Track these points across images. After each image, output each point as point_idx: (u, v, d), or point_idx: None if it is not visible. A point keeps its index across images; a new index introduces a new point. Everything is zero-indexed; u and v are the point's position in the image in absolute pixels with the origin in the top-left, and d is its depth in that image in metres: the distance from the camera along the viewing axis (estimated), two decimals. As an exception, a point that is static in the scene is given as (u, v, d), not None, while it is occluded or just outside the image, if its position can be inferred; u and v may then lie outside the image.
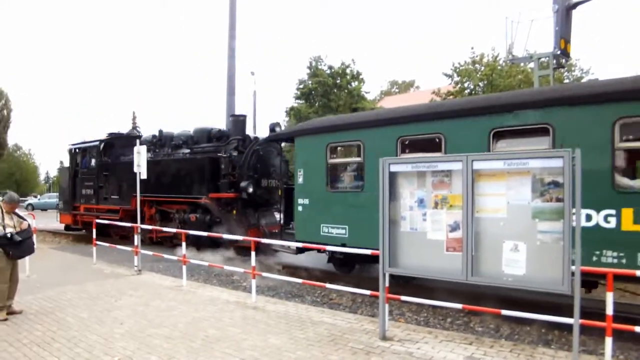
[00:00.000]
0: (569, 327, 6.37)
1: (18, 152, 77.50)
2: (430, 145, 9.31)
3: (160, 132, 17.99)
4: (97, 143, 19.73)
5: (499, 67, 28.33)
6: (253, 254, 8.79)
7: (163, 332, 6.86)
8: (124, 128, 65.48)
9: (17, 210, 8.25)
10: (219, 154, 14.89)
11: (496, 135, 8.28)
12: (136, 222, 12.30)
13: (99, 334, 6.80)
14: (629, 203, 6.92)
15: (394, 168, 6.38)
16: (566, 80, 29.07)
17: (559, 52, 15.89)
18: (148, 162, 13.72)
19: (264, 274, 9.47)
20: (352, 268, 11.82)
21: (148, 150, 15.23)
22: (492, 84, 27.21)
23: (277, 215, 14.28)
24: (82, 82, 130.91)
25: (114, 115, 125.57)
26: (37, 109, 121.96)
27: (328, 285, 8.54)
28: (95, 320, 7.50)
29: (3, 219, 7.76)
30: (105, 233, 17.75)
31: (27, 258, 9.58)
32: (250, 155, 14.54)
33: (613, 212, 7.01)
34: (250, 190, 13.97)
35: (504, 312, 6.34)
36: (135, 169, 11.65)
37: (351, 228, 10.28)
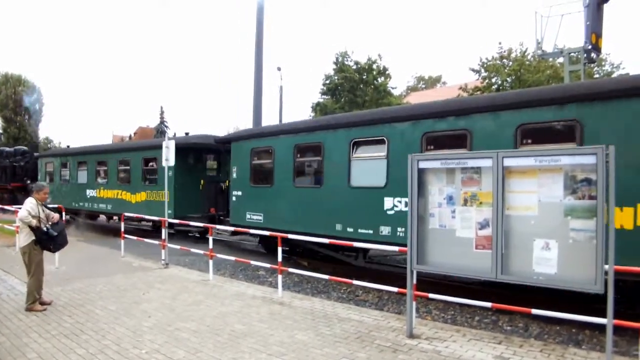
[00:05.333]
0: (599, 327, 6.26)
1: (49, 145, 78.91)
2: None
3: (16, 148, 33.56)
4: None
5: (527, 63, 27.92)
6: (280, 249, 8.80)
7: (190, 325, 6.92)
8: (153, 122, 66.66)
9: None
10: (15, 164, 29.22)
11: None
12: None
13: (127, 326, 6.89)
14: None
15: (422, 165, 6.31)
16: (596, 76, 28.51)
17: (590, 47, 15.54)
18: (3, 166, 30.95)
19: (291, 270, 9.49)
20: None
21: (6, 157, 30.93)
22: (520, 80, 26.87)
23: None
24: (111, 76, 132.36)
25: (143, 110, 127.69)
26: (68, 103, 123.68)
27: (355, 282, 8.51)
28: (124, 312, 7.60)
29: (38, 213, 7.85)
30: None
31: (56, 250, 9.81)
32: (30, 164, 28.16)
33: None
34: (29, 182, 26.21)
35: (535, 311, 6.22)
36: (164, 163, 12.03)
37: None
